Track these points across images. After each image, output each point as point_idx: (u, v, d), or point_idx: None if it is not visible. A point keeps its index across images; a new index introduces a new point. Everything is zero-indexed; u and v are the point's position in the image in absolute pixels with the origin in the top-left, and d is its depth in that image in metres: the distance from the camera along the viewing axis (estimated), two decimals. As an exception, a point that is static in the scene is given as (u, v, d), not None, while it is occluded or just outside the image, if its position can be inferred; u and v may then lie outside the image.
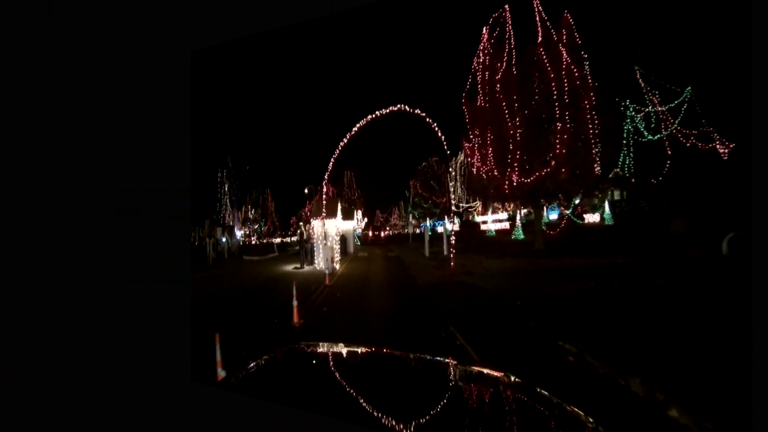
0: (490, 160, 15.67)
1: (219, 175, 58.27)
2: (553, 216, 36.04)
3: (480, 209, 44.91)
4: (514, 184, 15.02)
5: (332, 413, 1.38)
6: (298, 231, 16.33)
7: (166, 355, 2.74)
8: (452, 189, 48.45)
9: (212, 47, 2.74)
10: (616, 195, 27.88)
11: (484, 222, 39.55)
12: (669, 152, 22.37)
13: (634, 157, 23.13)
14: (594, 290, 8.37)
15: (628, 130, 22.74)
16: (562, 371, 4.05)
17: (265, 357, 1.88)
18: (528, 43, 15.05)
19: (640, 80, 23.35)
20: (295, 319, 6.56)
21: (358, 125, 13.13)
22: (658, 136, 22.71)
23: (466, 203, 47.50)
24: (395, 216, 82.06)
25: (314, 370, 1.83)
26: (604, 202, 24.16)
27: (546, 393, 1.51)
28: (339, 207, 16.55)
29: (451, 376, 1.76)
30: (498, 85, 15.37)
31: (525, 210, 27.02)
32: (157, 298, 2.77)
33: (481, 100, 16.17)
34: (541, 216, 17.68)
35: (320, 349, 2.13)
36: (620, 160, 22.72)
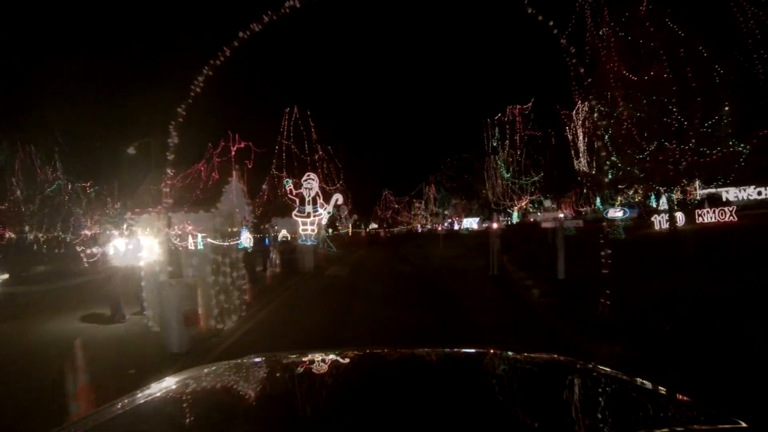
0: (629, 125, 10.71)
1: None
2: (618, 214, 32.28)
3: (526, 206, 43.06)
4: (692, 158, 10.00)
5: None
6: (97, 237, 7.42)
7: None
8: (489, 185, 46.55)
9: None
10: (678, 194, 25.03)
11: (547, 219, 36.89)
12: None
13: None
14: None
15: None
16: None
17: None
18: None
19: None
20: None
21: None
22: None
23: (513, 199, 45.11)
24: (404, 213, 79.19)
25: None
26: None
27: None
28: (239, 184, 8.13)
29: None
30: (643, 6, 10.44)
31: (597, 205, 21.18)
32: None
33: (603, 37, 10.99)
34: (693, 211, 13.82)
35: None
36: None
